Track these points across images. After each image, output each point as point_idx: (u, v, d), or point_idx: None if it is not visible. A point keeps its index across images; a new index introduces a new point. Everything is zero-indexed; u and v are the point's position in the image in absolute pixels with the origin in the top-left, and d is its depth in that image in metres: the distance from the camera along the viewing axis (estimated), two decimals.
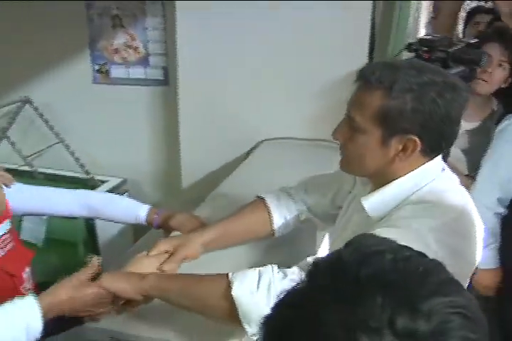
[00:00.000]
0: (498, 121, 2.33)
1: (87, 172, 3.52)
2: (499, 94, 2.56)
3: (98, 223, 3.18)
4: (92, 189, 3.22)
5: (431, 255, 0.69)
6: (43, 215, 2.21)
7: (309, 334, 0.60)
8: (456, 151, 2.45)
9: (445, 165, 1.43)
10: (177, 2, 2.87)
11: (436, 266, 0.66)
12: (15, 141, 3.28)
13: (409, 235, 1.21)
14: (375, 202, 1.42)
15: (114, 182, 3.50)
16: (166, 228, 2.01)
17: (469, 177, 2.37)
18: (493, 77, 2.48)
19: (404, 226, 1.28)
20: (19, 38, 3.43)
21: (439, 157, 1.40)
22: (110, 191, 3.30)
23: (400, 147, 1.32)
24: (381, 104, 1.29)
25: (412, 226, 1.27)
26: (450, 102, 1.29)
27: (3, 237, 1.81)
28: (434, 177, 1.38)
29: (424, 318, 0.57)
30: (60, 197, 2.05)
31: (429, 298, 0.60)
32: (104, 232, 3.24)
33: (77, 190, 2.15)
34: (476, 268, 1.42)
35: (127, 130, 3.50)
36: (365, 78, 1.33)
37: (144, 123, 3.46)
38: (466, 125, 2.52)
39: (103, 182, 3.50)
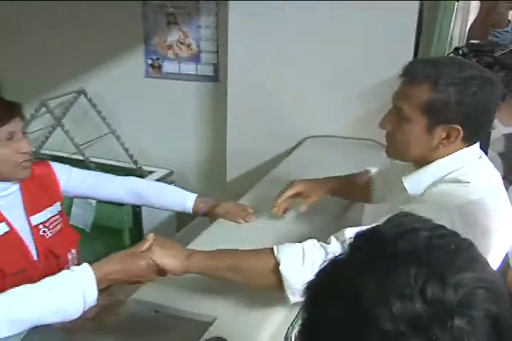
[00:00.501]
0: None
1: (136, 163, 3.64)
2: None
3: (144, 211, 3.29)
4: None
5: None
6: (93, 199, 2.32)
7: (346, 299, 0.67)
8: (493, 155, 2.49)
9: (483, 154, 1.54)
10: (230, 2, 2.96)
11: (467, 244, 0.73)
12: (69, 129, 3.42)
13: (436, 211, 1.31)
14: (413, 180, 1.55)
15: (161, 173, 3.61)
16: (211, 216, 2.12)
17: (505, 179, 2.41)
18: None
19: (433, 202, 1.41)
20: (78, 32, 3.58)
21: (477, 144, 1.52)
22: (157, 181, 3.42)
23: (444, 135, 1.46)
24: (428, 96, 1.43)
25: (440, 203, 1.38)
26: (488, 95, 1.43)
27: (53, 219, 1.93)
28: (471, 162, 1.50)
29: (452, 290, 0.64)
30: (110, 182, 2.16)
31: (458, 272, 0.66)
32: (149, 221, 3.35)
33: (127, 177, 2.26)
34: (508, 265, 1.50)
35: (176, 123, 3.60)
36: (411, 73, 1.47)
37: (192, 118, 3.56)
38: (504, 129, 2.57)
39: (150, 172, 3.62)
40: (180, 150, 3.64)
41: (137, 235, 3.31)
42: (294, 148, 3.06)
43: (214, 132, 3.53)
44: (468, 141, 1.49)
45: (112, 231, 3.28)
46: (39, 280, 1.61)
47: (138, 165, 3.64)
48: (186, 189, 3.25)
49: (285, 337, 1.49)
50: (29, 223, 1.88)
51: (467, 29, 3.37)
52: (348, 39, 2.87)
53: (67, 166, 2.09)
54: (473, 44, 2.51)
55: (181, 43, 3.42)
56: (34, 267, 1.85)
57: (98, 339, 1.69)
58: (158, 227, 3.40)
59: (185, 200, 2.16)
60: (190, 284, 1.64)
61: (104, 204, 2.98)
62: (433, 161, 1.51)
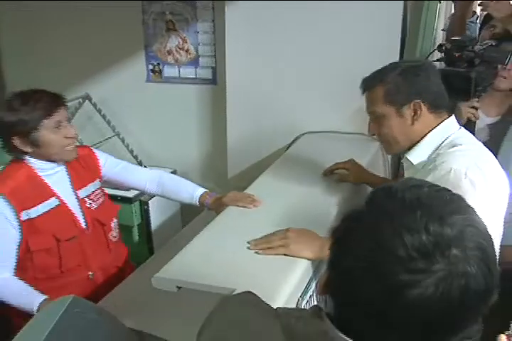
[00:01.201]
0: None
1: (140, 163, 3.80)
2: None
3: (151, 208, 3.46)
4: None
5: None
6: (120, 185, 2.52)
7: (368, 236, 0.85)
8: None
9: (459, 126, 1.91)
10: (226, 8, 3.13)
11: (458, 196, 0.91)
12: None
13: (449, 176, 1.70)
14: (415, 153, 1.90)
15: None
16: (216, 208, 2.32)
17: None
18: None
19: (445, 168, 1.73)
20: (82, 39, 3.75)
21: (453, 117, 1.89)
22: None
23: (412, 112, 1.83)
24: (383, 91, 1.84)
25: (452, 167, 1.72)
26: (426, 72, 1.83)
27: (96, 192, 2.29)
28: (454, 131, 1.87)
29: (449, 227, 0.82)
30: (142, 173, 2.46)
31: (452, 214, 0.84)
32: (156, 217, 3.52)
33: (154, 170, 2.62)
34: (501, 245, 1.70)
35: (178, 125, 3.75)
36: (365, 85, 1.92)
37: (193, 119, 3.71)
38: (487, 120, 2.76)
39: None
40: (183, 150, 3.78)
41: (145, 230, 3.48)
42: (291, 144, 3.21)
43: (214, 132, 3.67)
44: (435, 109, 1.85)
45: (122, 228, 3.43)
46: (89, 245, 2.17)
47: (142, 166, 3.77)
48: None
49: (296, 305, 1.69)
50: (76, 197, 2.21)
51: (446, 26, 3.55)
52: (339, 40, 3.04)
53: (104, 152, 2.42)
54: (455, 40, 2.68)
55: (180, 48, 3.58)
56: (83, 234, 2.21)
57: (127, 315, 1.87)
58: (165, 223, 3.56)
59: (194, 193, 2.37)
60: (209, 261, 1.81)
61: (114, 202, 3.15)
62: (420, 140, 1.86)
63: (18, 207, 2.03)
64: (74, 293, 2.04)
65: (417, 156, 1.90)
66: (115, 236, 2.42)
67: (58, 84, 3.76)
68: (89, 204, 2.25)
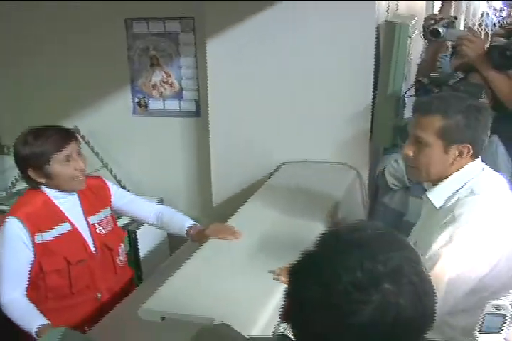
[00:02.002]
0: None
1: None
2: None
3: (139, 237, 3.56)
4: None
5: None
6: (126, 215, 2.72)
7: (314, 273, 0.98)
8: None
9: (485, 166, 1.96)
10: (207, 44, 3.28)
11: (399, 238, 1.04)
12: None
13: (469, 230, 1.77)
14: (436, 193, 1.94)
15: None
16: (200, 239, 2.46)
17: None
18: None
19: (463, 222, 1.79)
20: (70, 74, 3.87)
21: (479, 159, 1.93)
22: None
23: (457, 153, 1.86)
24: (441, 123, 1.84)
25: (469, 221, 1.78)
26: (485, 118, 1.88)
27: (106, 219, 2.46)
28: (477, 173, 1.90)
29: (383, 264, 0.94)
30: (146, 206, 2.63)
31: (389, 252, 0.96)
32: (144, 245, 3.61)
33: (158, 204, 2.79)
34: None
35: (163, 156, 3.87)
36: (424, 108, 1.91)
37: (178, 150, 3.83)
38: None
39: None
40: (169, 180, 3.88)
41: (134, 258, 3.58)
42: (272, 173, 3.34)
43: (199, 162, 3.77)
44: (475, 156, 1.90)
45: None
46: (97, 268, 2.34)
47: None
48: None
49: (273, 333, 1.80)
50: (87, 222, 2.38)
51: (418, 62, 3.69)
52: (317, 73, 3.19)
53: (114, 184, 2.61)
54: (433, 76, 2.83)
55: (164, 83, 3.72)
56: (92, 258, 2.37)
57: None
58: (152, 251, 3.66)
59: (183, 225, 2.53)
60: (191, 292, 1.94)
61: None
62: (446, 177, 1.91)
63: (33, 229, 2.19)
64: (82, 312, 2.33)
65: (437, 196, 1.94)
66: (122, 261, 2.58)
67: (48, 117, 3.90)
68: (99, 229, 2.41)
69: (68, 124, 3.79)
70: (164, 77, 3.71)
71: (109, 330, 2.19)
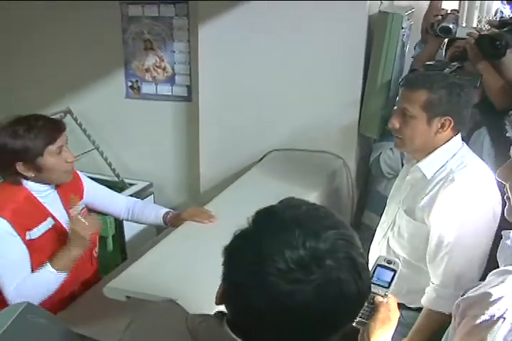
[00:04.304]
0: None
1: (118, 176, 3.93)
2: None
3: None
4: (120, 191, 3.62)
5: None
6: (96, 209, 2.60)
7: (253, 253, 0.96)
8: None
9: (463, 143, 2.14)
10: (199, 29, 3.27)
11: (331, 213, 1.04)
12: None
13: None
14: (427, 164, 2.10)
15: (141, 185, 3.87)
16: (175, 224, 2.48)
17: None
18: None
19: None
20: (65, 56, 3.88)
21: (460, 135, 2.10)
22: (137, 193, 3.73)
23: (439, 125, 2.03)
24: (425, 97, 2.01)
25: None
26: (467, 95, 2.04)
27: (83, 211, 2.38)
28: (459, 147, 2.10)
29: (323, 241, 0.94)
30: (116, 199, 2.59)
31: (326, 230, 0.97)
32: (131, 228, 3.62)
33: (128, 197, 2.75)
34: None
35: (154, 139, 3.88)
36: (410, 83, 2.10)
37: (169, 134, 3.84)
38: None
39: (131, 185, 3.88)
40: (159, 164, 3.89)
41: (119, 241, 3.60)
42: (259, 161, 3.34)
43: (188, 147, 3.78)
44: (456, 130, 2.07)
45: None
46: (79, 262, 2.25)
47: (120, 178, 3.91)
48: (164, 199, 3.62)
49: None
50: (68, 216, 2.28)
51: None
52: (308, 61, 3.17)
53: (85, 176, 2.54)
54: (429, 65, 2.81)
55: (157, 67, 3.72)
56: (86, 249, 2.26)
57: (78, 326, 2.00)
58: (139, 234, 3.68)
59: (158, 214, 2.53)
60: (158, 272, 1.96)
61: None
62: (433, 150, 2.08)
63: (21, 229, 2.11)
64: (57, 308, 2.23)
65: (429, 167, 2.10)
66: (96, 252, 2.56)
67: (41, 98, 3.95)
68: None
69: (61, 106, 3.88)
70: (157, 61, 3.71)
71: (76, 311, 2.21)
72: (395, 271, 1.38)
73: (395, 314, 1.38)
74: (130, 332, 1.18)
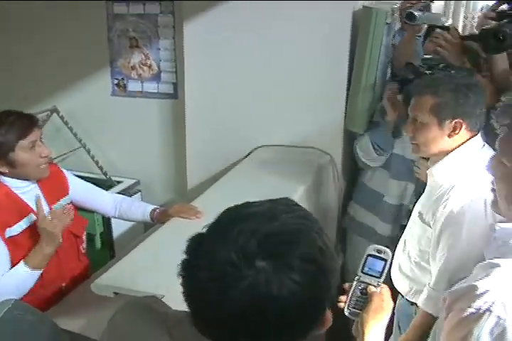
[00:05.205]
0: None
1: (105, 174, 3.93)
2: None
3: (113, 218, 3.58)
4: (108, 188, 3.61)
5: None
6: (82, 206, 2.59)
7: (205, 254, 0.95)
8: None
9: (485, 143, 2.07)
10: (185, 26, 3.28)
11: (295, 208, 1.02)
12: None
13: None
14: (440, 168, 2.09)
15: (128, 183, 3.89)
16: (162, 221, 2.49)
17: None
18: None
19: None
20: (51, 55, 3.88)
21: (479, 135, 2.06)
22: (125, 190, 3.73)
23: (452, 128, 2.01)
24: (432, 102, 2.01)
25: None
26: (475, 94, 2.00)
27: (67, 206, 2.34)
28: (478, 149, 2.04)
29: (257, 240, 0.91)
30: (103, 197, 2.58)
31: (264, 230, 0.93)
32: (118, 226, 3.64)
33: (115, 194, 2.74)
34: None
35: (141, 137, 3.89)
36: (417, 90, 2.10)
37: (155, 132, 3.84)
38: None
39: (119, 182, 3.89)
40: (146, 162, 3.90)
41: (107, 239, 3.61)
42: (245, 157, 3.35)
43: (175, 144, 3.79)
44: (472, 131, 2.03)
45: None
46: (64, 257, 2.30)
47: (107, 176, 3.91)
48: (151, 196, 3.62)
49: None
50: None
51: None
52: (293, 58, 3.18)
53: (70, 172, 2.52)
54: (424, 58, 2.82)
55: (143, 64, 3.73)
56: (59, 247, 2.25)
57: (67, 322, 2.00)
58: (127, 231, 3.69)
59: (145, 210, 2.54)
60: (146, 268, 1.96)
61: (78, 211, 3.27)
62: (448, 153, 2.05)
63: (2, 226, 2.11)
64: (45, 306, 2.20)
65: (440, 172, 2.09)
66: (84, 248, 2.55)
67: (28, 97, 3.95)
68: None
69: (48, 104, 3.87)
70: (143, 58, 3.71)
71: (65, 308, 2.21)
72: (385, 260, 1.38)
73: (389, 304, 1.39)
74: (109, 329, 1.19)
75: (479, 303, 1.25)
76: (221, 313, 0.93)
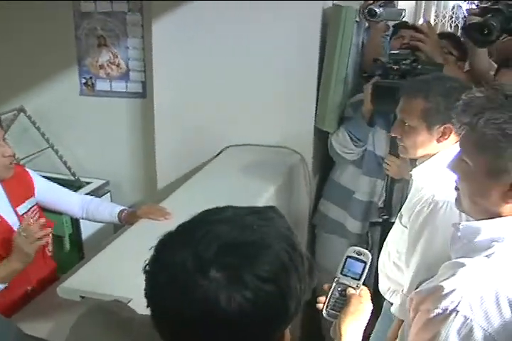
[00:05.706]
0: None
1: (74, 175, 3.88)
2: None
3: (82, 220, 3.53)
4: (77, 189, 3.58)
5: None
6: (48, 207, 2.54)
7: (165, 260, 0.94)
8: None
9: None
10: (153, 25, 3.25)
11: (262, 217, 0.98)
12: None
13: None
14: (419, 171, 2.06)
15: (97, 183, 3.83)
16: (131, 222, 2.45)
17: None
18: None
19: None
20: (16, 53, 3.81)
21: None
22: (94, 191, 3.68)
23: (441, 133, 1.96)
24: (422, 106, 1.96)
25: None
26: None
27: (33, 208, 2.31)
28: None
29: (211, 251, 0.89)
30: (70, 198, 2.52)
31: (236, 237, 0.91)
32: (88, 227, 3.58)
33: (83, 195, 2.69)
34: None
35: (110, 137, 3.84)
36: (406, 92, 2.03)
37: (124, 131, 3.80)
38: None
39: (88, 183, 3.84)
40: (115, 162, 3.85)
41: (76, 240, 3.56)
42: (215, 157, 3.33)
43: (144, 144, 3.76)
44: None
45: (53, 238, 3.50)
46: None
47: (76, 177, 3.86)
48: (121, 197, 3.58)
49: None
50: (16, 213, 2.22)
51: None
52: (262, 57, 3.17)
53: (35, 173, 2.45)
54: (393, 54, 2.84)
55: (111, 63, 3.68)
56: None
57: (33, 328, 1.96)
58: (96, 232, 3.64)
59: (113, 211, 2.50)
60: (112, 271, 1.93)
61: (45, 213, 3.22)
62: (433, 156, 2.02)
63: None
64: (11, 309, 2.15)
65: (420, 174, 2.06)
66: (50, 251, 2.50)
67: None
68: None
69: (14, 104, 3.80)
70: (111, 57, 3.67)
71: (32, 312, 2.17)
72: (365, 263, 1.37)
73: (368, 306, 1.38)
74: (71, 336, 1.16)
75: (446, 303, 1.25)
76: (175, 319, 0.91)
